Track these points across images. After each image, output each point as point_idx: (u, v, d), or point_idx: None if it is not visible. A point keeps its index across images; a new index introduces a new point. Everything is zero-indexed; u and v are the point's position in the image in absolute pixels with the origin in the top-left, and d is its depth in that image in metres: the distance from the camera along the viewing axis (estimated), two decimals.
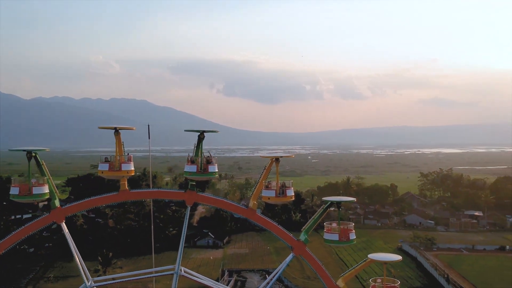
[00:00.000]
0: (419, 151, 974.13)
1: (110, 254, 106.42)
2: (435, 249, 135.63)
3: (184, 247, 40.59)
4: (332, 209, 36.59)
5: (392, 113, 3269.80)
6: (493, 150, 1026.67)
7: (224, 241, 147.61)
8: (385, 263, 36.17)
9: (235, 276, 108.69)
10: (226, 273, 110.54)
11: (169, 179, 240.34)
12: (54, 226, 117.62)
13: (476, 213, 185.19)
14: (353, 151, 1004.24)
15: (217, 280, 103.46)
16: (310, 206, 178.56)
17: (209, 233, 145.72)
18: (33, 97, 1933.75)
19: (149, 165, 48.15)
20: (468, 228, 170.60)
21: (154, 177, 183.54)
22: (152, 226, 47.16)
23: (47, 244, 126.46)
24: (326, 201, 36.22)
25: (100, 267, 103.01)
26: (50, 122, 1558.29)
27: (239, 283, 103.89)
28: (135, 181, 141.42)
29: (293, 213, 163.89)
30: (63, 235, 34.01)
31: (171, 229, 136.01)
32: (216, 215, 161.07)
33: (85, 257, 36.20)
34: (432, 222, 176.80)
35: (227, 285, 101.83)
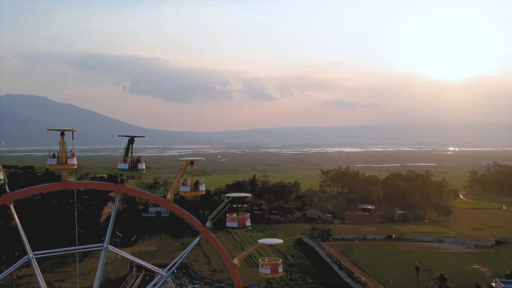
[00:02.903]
0: (322, 150, 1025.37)
1: (16, 253, 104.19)
2: (331, 240, 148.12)
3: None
4: (239, 205, 44.04)
5: (298, 113, 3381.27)
6: (390, 149, 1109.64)
7: (132, 239, 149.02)
8: (270, 245, 45.31)
9: (143, 272, 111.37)
10: (135, 269, 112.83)
11: (72, 179, 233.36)
12: None
13: (369, 207, 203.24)
14: (261, 150, 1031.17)
15: (125, 276, 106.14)
16: (218, 204, 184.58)
17: (117, 232, 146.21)
18: None
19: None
20: (361, 220, 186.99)
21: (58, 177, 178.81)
22: (76, 212, 50.88)
23: None
24: (228, 197, 44.41)
25: (4, 267, 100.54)
26: None
27: (147, 278, 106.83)
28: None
29: (201, 210, 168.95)
30: None
31: (78, 228, 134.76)
32: (124, 214, 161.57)
33: None
34: (330, 215, 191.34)
35: (136, 280, 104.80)
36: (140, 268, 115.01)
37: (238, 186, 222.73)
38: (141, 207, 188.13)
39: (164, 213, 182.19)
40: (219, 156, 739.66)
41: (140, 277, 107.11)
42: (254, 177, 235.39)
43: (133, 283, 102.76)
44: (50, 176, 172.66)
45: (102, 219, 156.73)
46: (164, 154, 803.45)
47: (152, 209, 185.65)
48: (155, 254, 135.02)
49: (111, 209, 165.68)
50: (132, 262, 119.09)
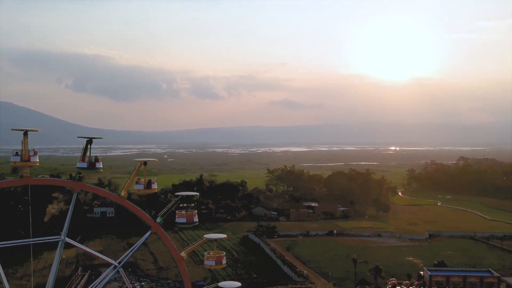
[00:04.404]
0: (270, 149, 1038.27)
1: None
2: (276, 236, 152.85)
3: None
4: (187, 204, 46.92)
5: (246, 113, 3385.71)
6: (335, 148, 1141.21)
7: (77, 239, 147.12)
8: (215, 240, 49.12)
9: (89, 271, 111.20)
10: (80, 268, 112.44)
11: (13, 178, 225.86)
12: None
13: (313, 204, 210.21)
14: (209, 150, 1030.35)
15: (71, 276, 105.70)
16: (165, 203, 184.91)
17: (60, 232, 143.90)
18: None
19: None
20: (305, 217, 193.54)
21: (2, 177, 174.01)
22: (30, 208, 51.98)
23: None
24: (177, 195, 46.92)
25: None
26: None
27: (93, 277, 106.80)
28: None
29: (147, 210, 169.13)
30: None
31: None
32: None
33: None
34: (275, 213, 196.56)
35: (81, 279, 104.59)
36: (86, 268, 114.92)
37: (185, 185, 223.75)
38: (85, 207, 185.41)
39: (109, 214, 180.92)
40: (165, 156, 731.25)
41: (86, 276, 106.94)
42: (201, 176, 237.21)
43: (78, 283, 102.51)
44: None
45: (46, 218, 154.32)
46: (109, 154, 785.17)
47: (97, 210, 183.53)
48: (101, 254, 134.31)
49: (54, 210, 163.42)
50: (81, 254, 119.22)
